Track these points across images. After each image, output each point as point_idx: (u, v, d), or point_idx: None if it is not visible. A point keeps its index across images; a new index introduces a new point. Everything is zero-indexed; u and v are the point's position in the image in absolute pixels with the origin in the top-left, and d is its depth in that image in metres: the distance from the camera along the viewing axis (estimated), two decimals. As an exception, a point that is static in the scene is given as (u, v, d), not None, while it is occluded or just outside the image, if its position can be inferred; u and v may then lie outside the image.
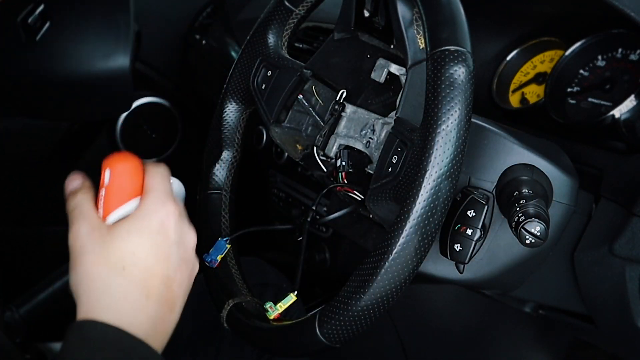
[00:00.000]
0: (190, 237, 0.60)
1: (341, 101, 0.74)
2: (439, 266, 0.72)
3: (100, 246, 0.55)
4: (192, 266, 0.61)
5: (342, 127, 0.74)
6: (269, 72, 0.80)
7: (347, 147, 0.72)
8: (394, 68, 0.71)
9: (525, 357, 1.28)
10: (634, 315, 0.78)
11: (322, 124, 0.76)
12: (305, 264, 1.39)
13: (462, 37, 0.58)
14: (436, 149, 0.55)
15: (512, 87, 0.99)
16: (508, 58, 1.00)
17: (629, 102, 0.79)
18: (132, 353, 0.54)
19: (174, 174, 1.28)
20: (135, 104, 1.53)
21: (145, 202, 0.58)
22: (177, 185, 1.31)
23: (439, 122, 0.56)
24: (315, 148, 0.75)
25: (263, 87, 0.80)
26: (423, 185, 0.55)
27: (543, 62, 0.97)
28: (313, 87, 0.77)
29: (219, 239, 0.77)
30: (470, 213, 0.66)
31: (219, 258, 0.76)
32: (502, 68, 1.00)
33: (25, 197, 1.55)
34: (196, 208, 0.83)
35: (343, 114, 0.74)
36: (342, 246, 1.27)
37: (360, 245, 0.80)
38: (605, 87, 0.86)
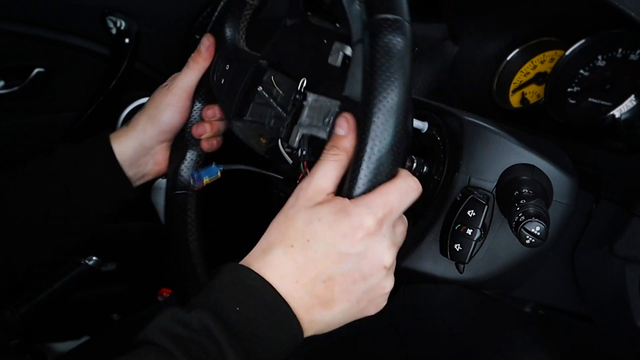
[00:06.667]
0: (381, 271, 0.56)
1: (302, 90, 0.71)
2: (439, 266, 0.72)
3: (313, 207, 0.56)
4: (368, 289, 0.56)
5: (304, 116, 0.70)
6: (227, 65, 0.79)
7: (311, 137, 0.69)
8: (349, 50, 0.67)
9: (525, 357, 1.28)
10: (634, 315, 0.78)
11: (284, 115, 0.73)
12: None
13: (398, 5, 0.55)
14: (374, 121, 0.54)
15: (512, 87, 0.99)
16: (508, 58, 1.00)
17: (629, 102, 0.79)
18: (277, 310, 0.54)
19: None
20: (136, 103, 1.53)
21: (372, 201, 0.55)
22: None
23: (376, 94, 0.53)
24: (279, 140, 0.72)
25: (222, 81, 0.79)
26: (364, 159, 0.54)
27: (543, 62, 0.97)
28: (272, 77, 0.75)
29: (213, 164, 0.75)
30: (470, 213, 0.66)
31: (205, 181, 0.74)
32: (502, 68, 1.00)
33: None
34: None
35: (305, 103, 0.70)
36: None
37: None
38: (605, 87, 0.86)
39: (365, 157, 0.54)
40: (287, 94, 0.73)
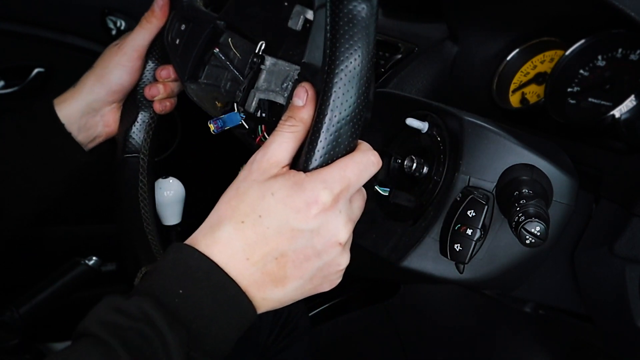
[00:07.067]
0: (335, 248, 0.54)
1: (260, 53, 0.68)
2: (439, 266, 0.72)
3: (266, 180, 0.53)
4: (322, 266, 0.54)
5: (262, 81, 0.67)
6: (183, 25, 0.76)
7: (268, 102, 0.67)
8: (311, 14, 0.65)
9: (525, 357, 1.28)
10: (634, 315, 0.78)
11: (241, 78, 0.70)
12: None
13: None
14: (335, 91, 0.52)
15: (512, 87, 0.99)
16: (508, 58, 1.00)
17: (629, 102, 0.79)
18: (224, 290, 0.52)
19: (174, 174, 1.29)
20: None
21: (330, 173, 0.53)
22: (177, 185, 1.31)
23: (337, 62, 0.51)
24: (235, 104, 0.70)
25: (177, 42, 0.76)
26: (322, 130, 0.52)
27: (543, 62, 0.97)
28: (230, 39, 0.73)
29: (234, 111, 0.71)
30: (470, 213, 0.66)
31: (227, 128, 0.71)
32: (502, 68, 1.00)
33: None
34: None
35: (262, 67, 0.68)
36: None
37: (359, 245, 0.80)
38: (605, 87, 0.86)
39: (324, 128, 0.52)
40: (244, 57, 0.71)
